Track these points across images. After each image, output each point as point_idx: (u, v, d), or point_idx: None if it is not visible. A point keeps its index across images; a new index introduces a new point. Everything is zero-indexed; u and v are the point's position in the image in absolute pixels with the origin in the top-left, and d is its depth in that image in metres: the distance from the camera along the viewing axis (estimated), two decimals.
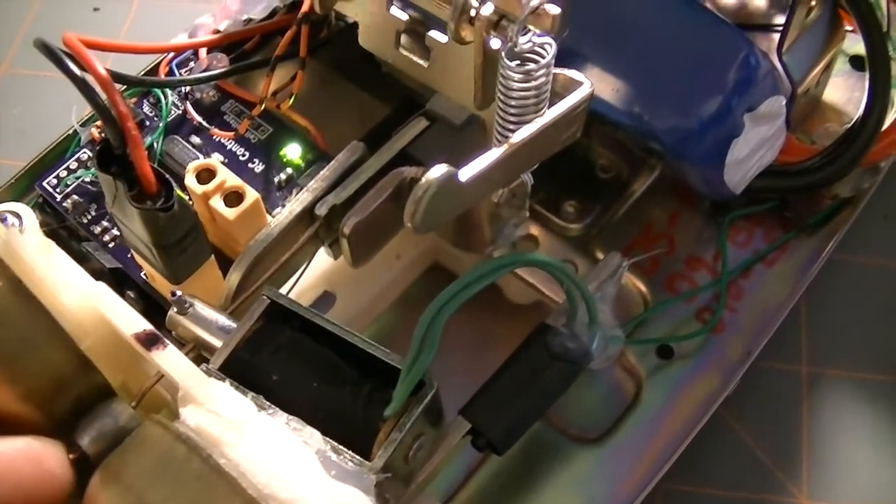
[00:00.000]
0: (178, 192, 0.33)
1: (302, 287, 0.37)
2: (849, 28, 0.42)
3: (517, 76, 0.29)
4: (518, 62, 0.29)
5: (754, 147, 0.38)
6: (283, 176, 0.39)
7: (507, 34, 0.29)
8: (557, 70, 0.30)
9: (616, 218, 0.41)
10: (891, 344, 0.41)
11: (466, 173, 0.27)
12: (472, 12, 0.29)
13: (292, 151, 0.40)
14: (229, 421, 0.28)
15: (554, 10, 0.28)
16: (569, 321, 0.34)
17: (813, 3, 0.39)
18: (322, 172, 0.36)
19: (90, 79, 0.30)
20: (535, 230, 0.41)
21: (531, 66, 0.29)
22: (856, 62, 0.45)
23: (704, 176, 0.38)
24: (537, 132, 0.29)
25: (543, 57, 0.29)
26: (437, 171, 0.26)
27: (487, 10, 0.29)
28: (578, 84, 0.30)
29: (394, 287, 0.39)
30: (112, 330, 0.31)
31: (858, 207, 0.41)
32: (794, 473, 0.39)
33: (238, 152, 0.40)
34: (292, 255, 0.35)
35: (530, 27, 0.28)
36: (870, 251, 0.44)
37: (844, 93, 0.45)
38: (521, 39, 0.28)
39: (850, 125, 0.40)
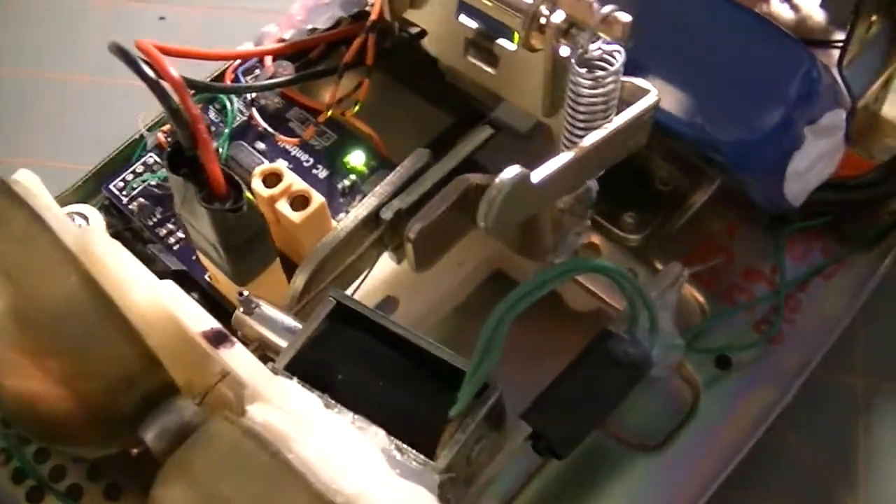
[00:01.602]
0: (247, 194, 0.34)
1: (365, 291, 0.37)
2: None
3: (587, 83, 0.29)
4: (587, 69, 0.29)
5: (814, 160, 0.38)
6: (346, 182, 0.40)
7: (576, 42, 0.29)
8: (625, 78, 0.31)
9: (675, 230, 0.41)
10: None
11: (539, 174, 0.27)
12: (543, 20, 0.30)
13: (356, 158, 0.41)
14: (297, 417, 0.28)
15: (624, 17, 0.28)
16: (630, 328, 0.34)
17: (874, 18, 0.39)
18: (388, 178, 0.36)
19: (163, 83, 0.31)
20: (596, 240, 0.41)
21: (600, 73, 0.29)
22: None
23: (764, 188, 0.38)
24: (606, 137, 0.29)
25: (612, 64, 0.29)
26: (511, 171, 0.27)
27: (558, 17, 0.29)
28: (645, 92, 0.31)
29: (455, 293, 0.39)
30: (179, 327, 0.32)
31: None
32: (852, 486, 0.39)
33: (302, 158, 0.41)
34: (357, 258, 0.36)
35: (600, 34, 0.29)
36: None
37: None
38: (591, 47, 0.29)
39: None
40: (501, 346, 0.30)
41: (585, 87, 0.29)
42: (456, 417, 0.30)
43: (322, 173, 0.41)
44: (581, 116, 0.30)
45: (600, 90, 0.29)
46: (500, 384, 0.30)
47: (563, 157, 0.28)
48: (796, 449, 0.40)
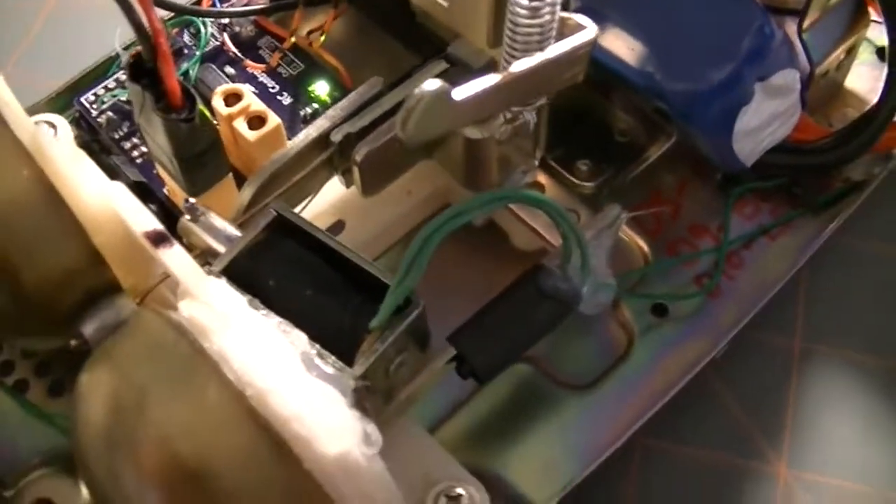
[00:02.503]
0: (202, 108, 0.35)
1: (314, 212, 0.38)
2: (875, 18, 0.43)
3: (523, 12, 0.30)
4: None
5: (766, 120, 0.38)
6: (308, 110, 0.41)
7: None
8: (567, 14, 0.32)
9: (627, 181, 0.42)
10: (885, 328, 0.42)
11: (461, 93, 0.28)
12: None
13: (320, 88, 0.42)
14: (220, 313, 0.29)
15: None
16: (562, 263, 0.35)
17: None
18: (341, 103, 0.37)
19: None
20: (547, 183, 0.42)
21: (537, 3, 0.30)
22: (882, 53, 0.46)
23: (714, 143, 0.38)
24: (536, 66, 0.30)
25: None
26: (432, 84, 0.27)
27: None
28: (583, 28, 0.31)
29: (403, 222, 0.40)
30: (126, 229, 0.33)
31: (865, 192, 0.42)
32: (776, 441, 0.39)
33: (268, 84, 0.42)
34: (305, 177, 0.37)
35: None
36: (879, 236, 0.44)
37: (868, 82, 0.45)
38: None
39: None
40: (425, 264, 0.30)
41: (522, 17, 0.30)
42: (376, 329, 0.31)
43: (286, 100, 0.42)
44: (518, 46, 0.31)
45: (536, 20, 0.30)
46: (422, 301, 0.31)
47: (489, 79, 0.29)
48: (726, 402, 0.40)
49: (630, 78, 0.38)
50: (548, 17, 0.30)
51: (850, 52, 0.43)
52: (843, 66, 0.44)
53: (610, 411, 0.38)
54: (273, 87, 0.42)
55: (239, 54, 0.43)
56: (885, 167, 0.42)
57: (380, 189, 0.37)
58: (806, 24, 0.40)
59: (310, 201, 0.38)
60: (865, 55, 0.45)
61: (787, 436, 0.40)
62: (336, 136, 0.36)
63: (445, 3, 0.35)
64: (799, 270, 0.41)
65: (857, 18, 0.42)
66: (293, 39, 0.42)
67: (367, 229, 0.39)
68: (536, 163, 0.38)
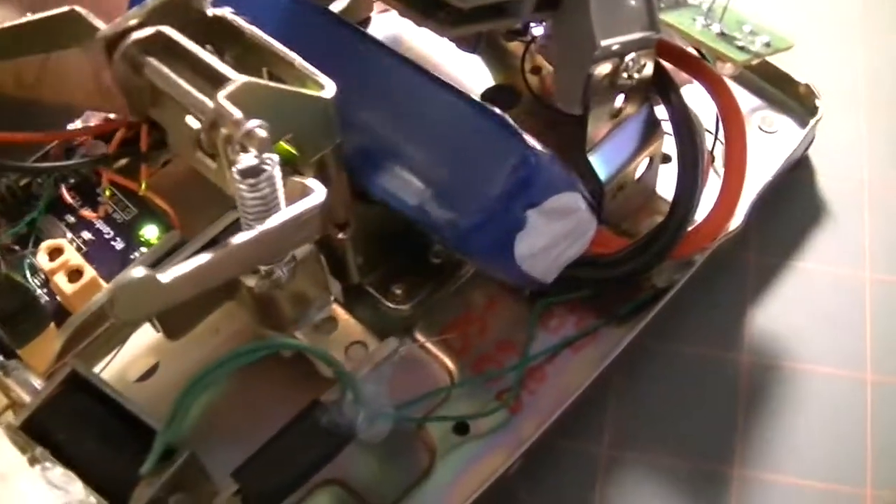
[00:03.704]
0: (8, 272, 0.38)
1: (132, 356, 0.42)
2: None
3: (243, 187, 0.33)
4: (241, 176, 0.33)
5: (553, 239, 0.40)
6: (137, 254, 0.44)
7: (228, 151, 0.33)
8: (298, 178, 0.35)
9: (440, 301, 0.45)
10: (693, 431, 0.44)
11: (170, 275, 0.31)
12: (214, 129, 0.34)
13: (150, 232, 0.45)
14: None
15: (261, 133, 0.32)
16: (338, 399, 0.37)
17: (621, 105, 0.42)
18: (140, 257, 0.40)
19: None
20: (362, 305, 0.44)
21: (251, 179, 0.33)
22: None
23: (498, 268, 0.41)
24: (255, 237, 0.33)
25: (266, 171, 0.33)
26: (137, 271, 0.30)
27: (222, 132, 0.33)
28: (311, 191, 0.34)
29: (213, 359, 0.43)
30: None
31: (665, 298, 0.44)
32: None
33: (104, 231, 0.45)
34: (111, 328, 0.40)
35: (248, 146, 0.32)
36: (684, 340, 0.46)
37: None
38: (244, 156, 0.33)
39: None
40: (189, 414, 0.34)
41: (244, 192, 0.33)
42: (145, 476, 0.34)
43: (119, 245, 0.45)
44: (248, 216, 0.34)
45: (256, 194, 0.33)
46: (190, 448, 0.34)
47: (198, 259, 0.32)
48: None
49: (405, 212, 0.40)
50: (267, 191, 0.33)
51: (653, 161, 0.45)
52: (648, 176, 0.46)
53: None
54: (108, 234, 0.45)
55: (76, 204, 0.46)
56: (686, 273, 0.44)
57: (185, 331, 0.40)
58: (589, 145, 0.42)
59: (120, 349, 0.41)
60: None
61: None
62: None
63: (213, 166, 0.38)
64: (609, 377, 0.43)
65: (650, 131, 0.44)
66: (108, 192, 0.45)
67: (180, 370, 0.42)
68: (331, 297, 0.41)
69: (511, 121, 0.39)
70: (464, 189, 0.39)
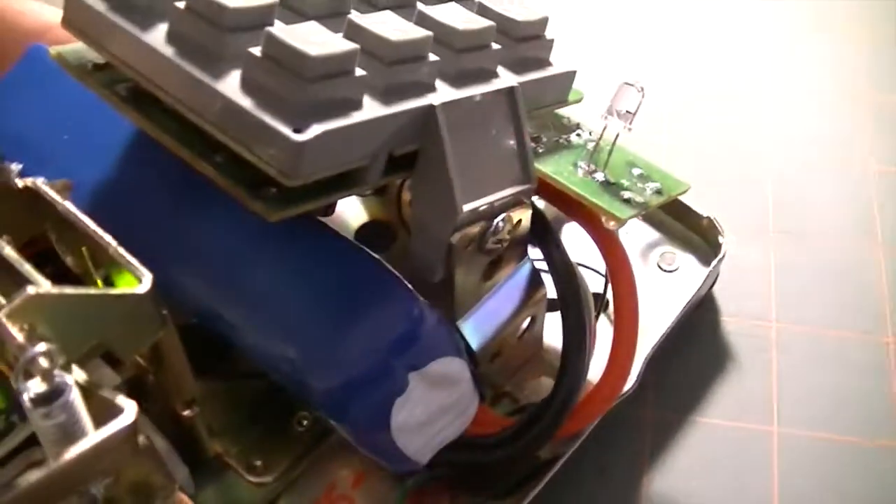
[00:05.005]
0: None
1: None
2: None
3: (36, 415, 0.29)
4: (33, 405, 0.29)
5: (435, 412, 0.36)
6: None
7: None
8: (108, 394, 0.31)
9: (305, 474, 0.41)
10: None
11: None
12: None
13: None
14: None
15: (44, 363, 0.28)
16: None
17: (493, 264, 0.38)
18: None
19: None
20: (213, 494, 0.40)
21: (42, 409, 0.29)
22: None
23: (370, 441, 0.36)
24: (48, 476, 0.29)
25: (59, 397, 0.29)
26: None
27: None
28: (118, 412, 0.30)
29: None
30: None
31: (551, 471, 0.40)
32: None
33: None
34: None
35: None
36: None
37: None
38: (33, 382, 0.29)
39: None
40: None
41: (37, 421, 0.29)
42: None
43: None
44: (49, 445, 0.30)
45: (52, 422, 0.29)
46: None
47: None
48: None
49: (267, 367, 0.36)
50: (63, 418, 0.29)
51: (535, 318, 0.42)
52: (532, 333, 0.42)
53: None
54: None
55: None
56: (574, 444, 0.40)
57: None
58: (458, 313, 0.38)
59: None
60: None
61: None
62: None
63: None
64: None
65: (531, 287, 0.40)
66: None
67: None
68: (176, 485, 0.37)
69: (391, 268, 0.35)
70: (339, 340, 0.34)
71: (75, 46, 0.36)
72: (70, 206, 0.33)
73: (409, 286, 0.35)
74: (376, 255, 0.36)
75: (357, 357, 0.34)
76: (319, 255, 0.36)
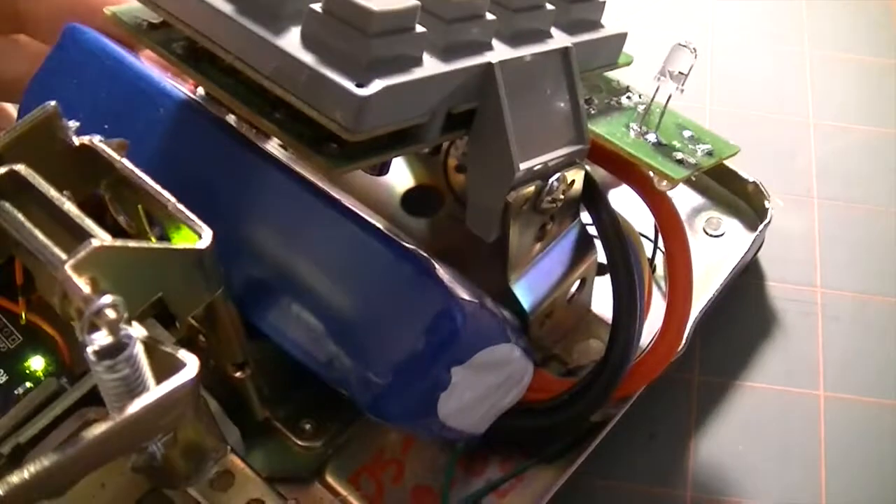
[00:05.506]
0: None
1: None
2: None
3: (100, 369, 0.29)
4: (96, 357, 0.29)
5: (484, 392, 0.36)
6: (20, 390, 0.40)
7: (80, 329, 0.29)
8: (169, 349, 0.31)
9: (354, 438, 0.41)
10: None
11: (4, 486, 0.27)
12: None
13: (36, 363, 0.41)
14: None
15: (111, 314, 0.28)
16: None
17: (546, 224, 0.38)
18: (12, 411, 0.36)
19: None
20: (265, 456, 0.40)
21: (107, 361, 0.29)
22: None
23: (419, 428, 0.36)
24: (112, 429, 0.29)
25: (123, 351, 0.29)
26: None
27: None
28: (182, 365, 0.30)
29: None
30: None
31: (600, 435, 0.40)
32: None
33: None
34: None
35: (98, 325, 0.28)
36: (629, 473, 0.42)
37: None
38: (97, 335, 0.29)
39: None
40: None
41: (101, 374, 0.29)
42: None
43: (2, 378, 0.41)
44: (111, 399, 0.30)
45: (115, 376, 0.29)
46: None
47: (43, 461, 0.28)
48: None
49: (311, 368, 0.36)
50: (127, 371, 0.29)
51: (585, 281, 0.41)
52: (581, 297, 0.42)
53: None
54: None
55: None
56: (623, 407, 0.40)
57: (68, 488, 0.36)
58: (512, 275, 0.38)
59: None
60: None
61: None
62: (5, 448, 0.36)
63: None
64: None
65: (582, 249, 0.40)
66: None
67: None
68: (227, 447, 0.37)
69: (434, 263, 0.34)
70: (374, 345, 0.34)
71: (129, 6, 0.36)
72: (128, 163, 0.33)
73: (446, 282, 0.33)
74: (413, 246, 0.34)
75: (395, 363, 0.33)
76: (363, 249, 0.34)
